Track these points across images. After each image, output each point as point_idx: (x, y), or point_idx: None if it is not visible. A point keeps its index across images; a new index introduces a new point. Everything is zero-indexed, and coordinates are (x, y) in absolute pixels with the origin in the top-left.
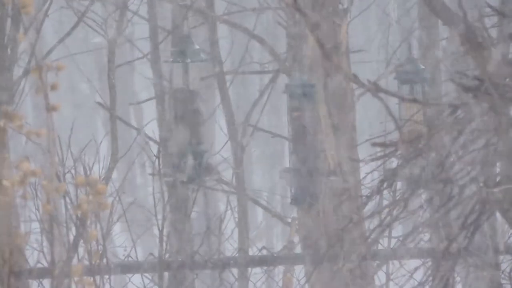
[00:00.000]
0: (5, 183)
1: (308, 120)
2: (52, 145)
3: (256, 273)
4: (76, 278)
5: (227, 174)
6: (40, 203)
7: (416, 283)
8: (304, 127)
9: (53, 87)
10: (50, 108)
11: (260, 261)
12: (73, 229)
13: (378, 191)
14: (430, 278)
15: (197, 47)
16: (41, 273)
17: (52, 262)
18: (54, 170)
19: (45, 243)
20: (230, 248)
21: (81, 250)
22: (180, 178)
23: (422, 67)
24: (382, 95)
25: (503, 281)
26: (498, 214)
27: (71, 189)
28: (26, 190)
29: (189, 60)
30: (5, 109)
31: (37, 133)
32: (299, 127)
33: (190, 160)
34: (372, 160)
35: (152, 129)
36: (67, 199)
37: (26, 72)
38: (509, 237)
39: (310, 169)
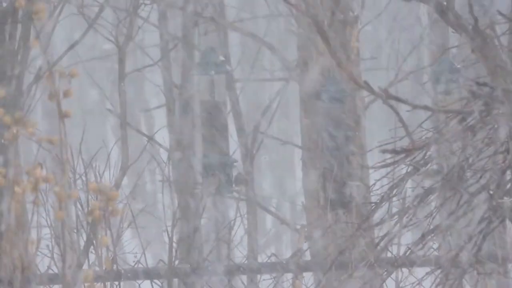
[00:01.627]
0: (17, 189)
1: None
2: (64, 152)
3: (265, 279)
4: (87, 284)
5: None
6: (50, 209)
7: None
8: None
9: (66, 94)
10: (63, 115)
11: (269, 268)
12: (84, 235)
13: (388, 198)
14: (439, 286)
15: (223, 58)
16: (51, 279)
17: (63, 268)
18: (66, 176)
19: (55, 249)
20: (239, 255)
21: (91, 256)
22: (210, 190)
23: (458, 66)
24: (392, 102)
25: None
26: (507, 222)
27: (82, 195)
28: (37, 196)
29: (213, 72)
30: (18, 116)
31: (49, 140)
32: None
33: (220, 172)
34: (382, 167)
35: (163, 136)
36: (78, 205)
37: (36, 79)
38: None
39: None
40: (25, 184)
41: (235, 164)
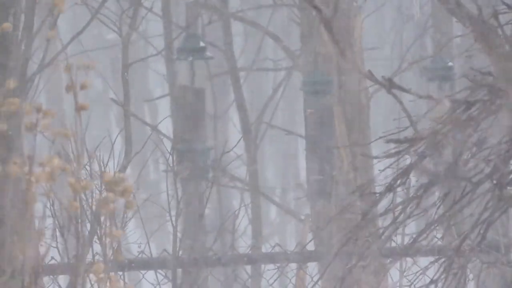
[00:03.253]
0: (32, 179)
1: (324, 117)
2: (79, 144)
3: (269, 269)
4: (97, 276)
5: (241, 171)
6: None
7: (429, 280)
8: (319, 124)
9: (83, 87)
10: (79, 108)
11: (273, 258)
12: (88, 226)
13: (392, 188)
14: (443, 276)
15: (203, 44)
16: (55, 270)
17: (73, 259)
18: (80, 168)
19: (59, 240)
20: (243, 245)
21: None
22: (182, 175)
23: (450, 63)
24: (396, 92)
25: None
26: (511, 212)
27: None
28: (50, 187)
29: (191, 58)
30: (39, 106)
31: (64, 132)
32: (314, 124)
33: (194, 158)
34: (386, 157)
35: (166, 126)
36: (82, 196)
37: (40, 69)
38: None
39: (325, 166)
40: (39, 174)
41: (211, 151)
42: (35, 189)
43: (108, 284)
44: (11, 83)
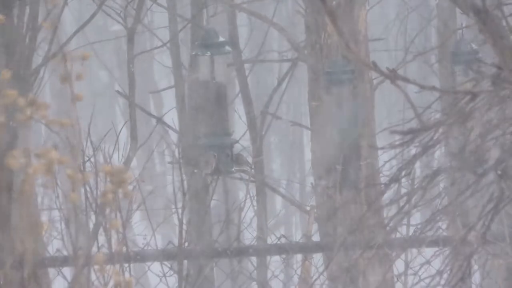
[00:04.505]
0: (29, 170)
1: (351, 105)
2: (76, 135)
3: (275, 261)
4: (98, 267)
5: None
6: (60, 191)
7: (434, 271)
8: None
9: (78, 77)
10: (74, 98)
11: (279, 250)
12: (93, 218)
13: (397, 179)
14: (448, 267)
15: (222, 39)
16: (61, 261)
17: (75, 251)
18: (78, 159)
19: (65, 232)
20: (249, 236)
21: (100, 238)
22: (207, 170)
23: (474, 47)
24: (401, 83)
25: None
26: None
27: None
28: (50, 179)
29: (209, 53)
30: (32, 98)
31: (61, 123)
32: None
33: (218, 152)
34: (391, 148)
35: (172, 118)
36: (87, 188)
37: (45, 61)
38: None
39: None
40: (38, 167)
41: (235, 144)
42: (33, 181)
43: (108, 275)
44: (6, 74)
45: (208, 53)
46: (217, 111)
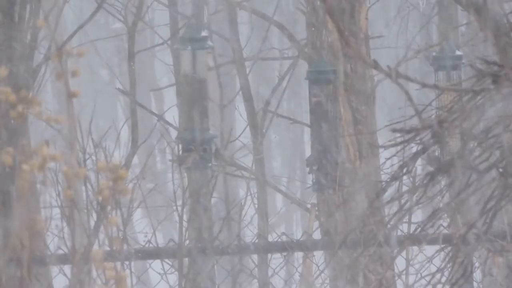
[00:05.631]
0: (25, 167)
1: (329, 105)
2: (73, 131)
3: (275, 258)
4: (96, 264)
5: (247, 160)
6: (60, 188)
7: (435, 269)
8: (325, 113)
9: (74, 74)
10: (70, 94)
11: (280, 247)
12: (94, 215)
13: (398, 176)
14: (449, 264)
15: (205, 34)
16: (62, 259)
17: (73, 248)
18: (74, 155)
19: (65, 229)
20: (249, 234)
21: (101, 236)
22: (186, 164)
23: (459, 53)
24: (401, 80)
25: None
26: None
27: (92, 175)
28: (46, 175)
29: (189, 48)
30: (24, 95)
31: (56, 119)
32: (319, 113)
33: (197, 146)
34: (392, 145)
35: (173, 115)
36: (88, 185)
37: (46, 59)
38: None
39: (331, 155)
40: (33, 163)
41: (214, 139)
42: (30, 178)
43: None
44: (3, 71)
45: (189, 48)
46: (196, 106)
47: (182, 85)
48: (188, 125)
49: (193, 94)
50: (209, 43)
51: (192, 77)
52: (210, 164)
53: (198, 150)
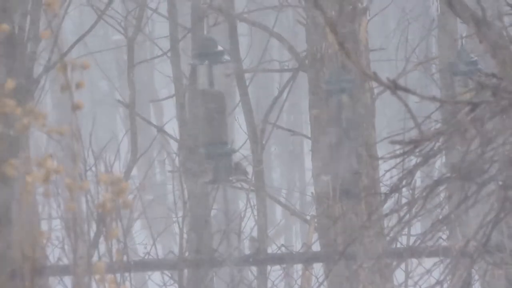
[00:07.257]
0: (28, 178)
1: (351, 115)
2: (76, 144)
3: (275, 270)
4: (97, 276)
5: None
6: (61, 200)
7: (434, 281)
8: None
9: (78, 86)
10: (74, 107)
11: (279, 259)
12: (94, 227)
13: (397, 188)
14: (448, 277)
15: (220, 48)
16: (62, 270)
17: (74, 260)
18: (77, 168)
19: (66, 241)
20: (249, 246)
21: (101, 247)
22: (205, 178)
23: (474, 58)
24: (401, 93)
25: None
26: None
27: (92, 186)
28: (48, 187)
29: (207, 62)
30: (29, 107)
31: (59, 131)
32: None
33: (216, 161)
34: (391, 157)
35: (172, 127)
36: (88, 197)
37: (46, 70)
38: None
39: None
40: (36, 175)
41: (234, 153)
42: (33, 189)
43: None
44: (10, 83)
45: (206, 62)
46: (215, 120)
47: (199, 100)
48: (207, 139)
49: (212, 109)
50: (226, 57)
51: (211, 92)
52: (229, 178)
53: (218, 164)
